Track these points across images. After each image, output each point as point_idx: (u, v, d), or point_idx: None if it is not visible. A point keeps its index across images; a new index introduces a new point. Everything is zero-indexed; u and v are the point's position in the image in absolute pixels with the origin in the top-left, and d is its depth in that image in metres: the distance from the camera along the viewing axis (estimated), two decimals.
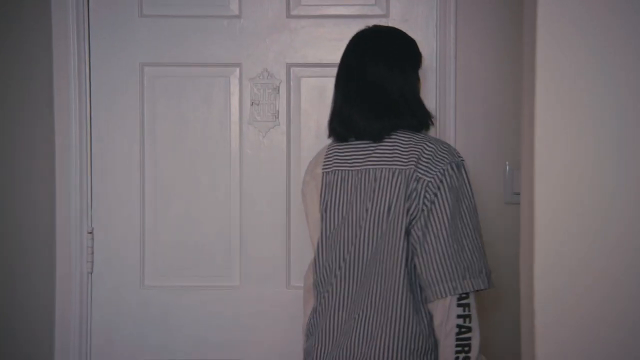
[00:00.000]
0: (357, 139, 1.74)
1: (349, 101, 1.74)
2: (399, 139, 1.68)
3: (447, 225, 1.60)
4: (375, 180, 1.67)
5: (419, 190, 1.62)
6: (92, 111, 2.24)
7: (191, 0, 2.24)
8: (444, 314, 1.59)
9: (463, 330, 1.58)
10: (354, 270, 1.69)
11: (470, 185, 1.65)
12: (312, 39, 2.22)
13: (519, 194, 2.14)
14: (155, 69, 2.24)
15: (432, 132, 2.17)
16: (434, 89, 2.21)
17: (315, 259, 1.77)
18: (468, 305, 1.58)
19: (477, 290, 1.61)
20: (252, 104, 2.23)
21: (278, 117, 2.24)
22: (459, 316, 1.58)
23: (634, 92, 1.20)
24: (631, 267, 1.19)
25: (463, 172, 1.64)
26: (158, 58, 2.24)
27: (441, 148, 1.66)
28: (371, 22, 2.18)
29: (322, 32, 2.23)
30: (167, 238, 2.25)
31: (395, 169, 1.65)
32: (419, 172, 1.63)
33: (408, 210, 1.63)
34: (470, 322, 1.58)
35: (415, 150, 1.66)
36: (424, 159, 1.64)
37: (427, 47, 2.19)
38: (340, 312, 1.70)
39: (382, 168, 1.67)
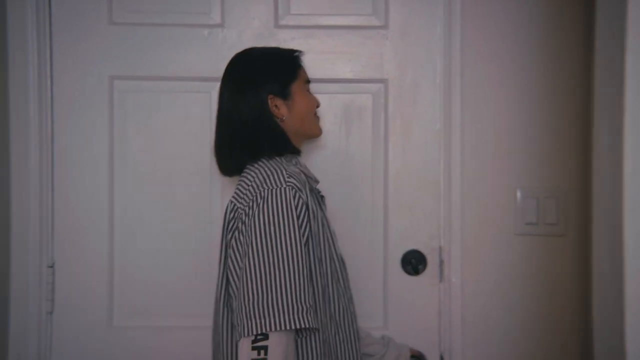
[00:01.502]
0: None
1: (215, 133, 1.70)
2: (247, 170, 1.61)
3: (249, 260, 1.45)
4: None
5: (235, 222, 1.52)
6: (53, 130, 1.98)
7: (168, 7, 2.00)
8: (239, 357, 1.44)
9: None
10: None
11: (290, 215, 1.47)
12: (303, 51, 2.00)
13: (532, 224, 1.97)
14: (126, 83, 2.00)
15: (435, 154, 2.00)
16: (438, 108, 2.00)
17: None
18: (264, 348, 1.40)
19: (303, 329, 1.48)
20: None
21: None
22: None
23: None
24: None
25: (283, 199, 1.47)
26: (130, 71, 2.00)
27: (264, 174, 1.54)
28: (368, 34, 2.01)
29: (313, 44, 2.01)
30: (139, 272, 2.00)
31: (229, 201, 1.57)
32: (237, 203, 1.52)
33: (227, 244, 1.53)
34: None
35: (242, 180, 1.58)
36: (243, 189, 1.54)
37: (429, 62, 2.00)
38: None
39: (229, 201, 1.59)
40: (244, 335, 1.42)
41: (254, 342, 1.41)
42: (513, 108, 1.98)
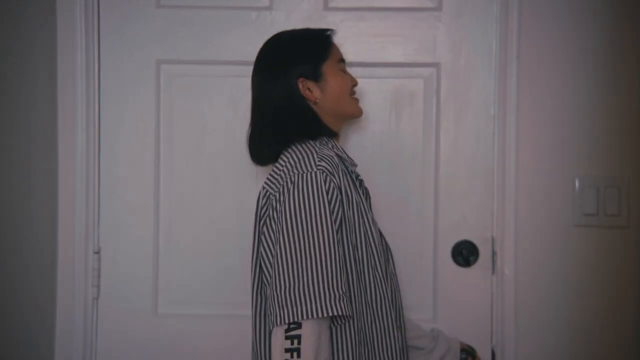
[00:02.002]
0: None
1: (250, 123, 1.67)
2: (280, 156, 1.57)
3: (280, 247, 1.39)
4: None
5: (267, 209, 1.47)
6: (100, 114, 1.97)
7: None
8: (272, 346, 1.39)
9: None
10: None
11: (321, 199, 1.41)
12: (352, 34, 1.95)
13: (591, 215, 1.88)
14: (173, 67, 1.97)
15: (489, 140, 1.92)
16: (493, 93, 1.93)
17: None
18: (297, 337, 1.34)
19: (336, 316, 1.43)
20: None
21: None
22: (286, 350, 1.35)
23: None
24: None
25: (314, 183, 1.42)
26: (177, 54, 1.97)
27: (295, 159, 1.49)
28: (421, 16, 1.94)
29: (364, 27, 1.95)
30: (184, 260, 1.98)
31: (262, 187, 1.52)
32: (268, 189, 1.47)
33: (259, 231, 1.48)
34: (298, 356, 1.34)
35: (275, 166, 1.53)
36: (275, 174, 1.49)
37: (484, 45, 1.93)
38: None
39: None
40: (277, 324, 1.37)
41: (287, 331, 1.36)
42: (572, 92, 1.89)
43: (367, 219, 1.54)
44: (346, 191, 1.49)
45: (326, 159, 1.48)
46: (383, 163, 1.95)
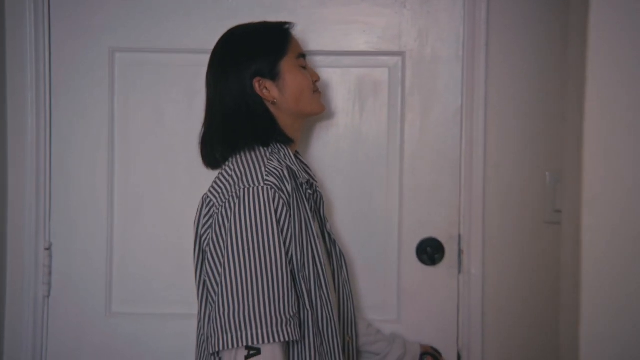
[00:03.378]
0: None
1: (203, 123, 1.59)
2: (227, 162, 1.49)
3: (227, 268, 1.29)
4: None
5: (209, 219, 1.37)
6: (52, 104, 1.89)
7: None
8: None
9: None
10: None
11: (270, 218, 1.31)
12: (313, 21, 1.86)
13: (561, 211, 1.79)
14: (128, 55, 1.88)
15: (456, 133, 1.83)
16: (460, 83, 1.83)
17: None
18: None
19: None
20: None
21: None
22: None
23: None
24: None
25: (262, 200, 1.31)
26: (132, 42, 1.88)
27: (241, 169, 1.38)
28: (385, 2, 1.85)
29: (326, 13, 1.86)
30: (139, 256, 1.90)
31: (205, 194, 1.43)
32: (212, 198, 1.37)
33: (201, 244, 1.39)
34: None
35: (220, 173, 1.43)
36: (220, 183, 1.38)
37: (452, 32, 1.84)
38: None
39: None
40: (216, 349, 1.29)
41: (246, 357, 1.27)
42: (544, 84, 1.79)
43: (314, 235, 1.44)
44: (297, 205, 1.39)
45: (274, 173, 1.38)
46: (346, 157, 1.86)
